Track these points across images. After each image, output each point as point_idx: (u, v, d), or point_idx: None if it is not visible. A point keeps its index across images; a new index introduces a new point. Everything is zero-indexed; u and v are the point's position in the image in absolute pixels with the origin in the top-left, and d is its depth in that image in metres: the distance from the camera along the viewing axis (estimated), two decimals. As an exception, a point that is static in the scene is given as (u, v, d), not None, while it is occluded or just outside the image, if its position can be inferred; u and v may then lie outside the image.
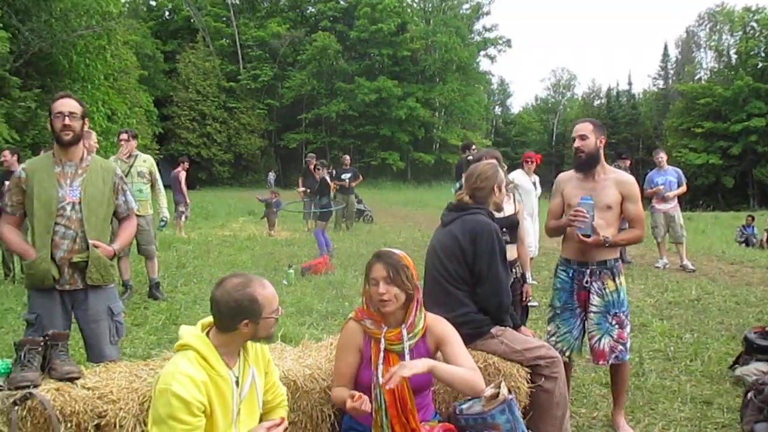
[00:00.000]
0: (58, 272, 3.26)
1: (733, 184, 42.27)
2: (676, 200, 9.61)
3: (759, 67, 43.35)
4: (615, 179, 3.72)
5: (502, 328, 3.24)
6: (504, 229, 3.93)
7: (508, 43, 51.32)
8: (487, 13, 54.68)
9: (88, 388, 2.49)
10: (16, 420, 2.29)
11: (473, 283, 3.19)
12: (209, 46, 44.15)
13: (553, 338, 3.82)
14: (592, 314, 3.70)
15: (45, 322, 3.23)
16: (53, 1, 18.59)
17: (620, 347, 3.67)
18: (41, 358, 2.60)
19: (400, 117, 41.96)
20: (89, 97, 19.50)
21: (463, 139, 36.68)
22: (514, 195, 4.53)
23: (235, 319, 2.23)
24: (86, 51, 20.28)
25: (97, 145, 6.61)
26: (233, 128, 42.20)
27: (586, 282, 3.71)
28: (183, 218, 13.98)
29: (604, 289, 3.68)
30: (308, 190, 13.26)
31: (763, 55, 44.16)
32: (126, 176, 6.65)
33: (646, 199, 8.53)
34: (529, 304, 4.76)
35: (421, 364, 2.47)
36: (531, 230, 7.27)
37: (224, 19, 45.97)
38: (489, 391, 2.78)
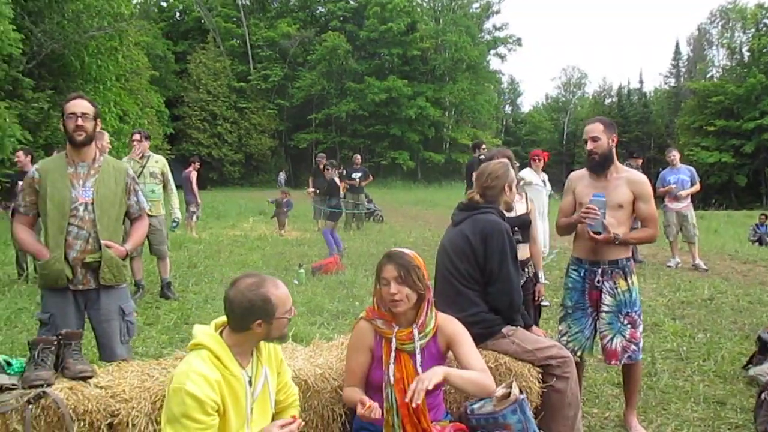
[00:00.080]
0: (71, 272, 3.28)
1: (746, 183, 41.91)
2: (689, 199, 9.51)
3: (772, 64, 42.93)
4: (627, 178, 3.69)
5: (513, 327, 3.23)
6: (516, 229, 3.92)
7: (519, 41, 51.15)
8: (497, 12, 54.47)
9: (101, 387, 2.51)
10: (30, 418, 2.32)
11: (484, 282, 3.18)
12: (220, 47, 44.30)
13: (565, 338, 3.80)
14: (603, 314, 3.69)
15: (58, 322, 3.26)
16: (65, 3, 18.70)
17: (633, 347, 3.65)
18: (54, 357, 2.62)
19: (410, 116, 41.90)
20: (101, 98, 19.60)
21: (474, 138, 36.60)
22: (526, 194, 4.51)
23: (249, 319, 2.24)
24: (98, 52, 20.39)
25: (110, 146, 6.65)
26: (244, 128, 42.31)
27: (598, 281, 3.69)
28: (194, 218, 14.05)
29: (616, 288, 3.66)
30: (317, 191, 13.28)
31: (776, 52, 43.72)
32: (138, 177, 6.71)
33: (659, 198, 8.48)
34: (541, 303, 4.74)
35: (438, 373, 2.46)
36: (541, 229, 7.25)
37: (234, 19, 46.11)
38: (500, 390, 2.77)
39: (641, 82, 61.25)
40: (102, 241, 3.33)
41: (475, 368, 2.62)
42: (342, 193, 13.39)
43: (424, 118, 42.77)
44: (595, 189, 3.67)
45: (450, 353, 2.76)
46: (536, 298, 4.44)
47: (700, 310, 6.79)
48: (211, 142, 40.86)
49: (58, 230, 3.27)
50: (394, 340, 2.65)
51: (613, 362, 3.72)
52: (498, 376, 3.03)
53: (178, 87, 42.14)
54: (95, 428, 2.39)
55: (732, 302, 7.13)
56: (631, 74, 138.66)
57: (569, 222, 3.82)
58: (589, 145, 3.68)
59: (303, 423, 2.40)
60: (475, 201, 3.36)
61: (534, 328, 3.49)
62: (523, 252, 4.15)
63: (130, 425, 2.39)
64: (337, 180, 11.81)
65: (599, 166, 3.69)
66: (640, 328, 3.72)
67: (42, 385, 2.42)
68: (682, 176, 9.43)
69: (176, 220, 7.70)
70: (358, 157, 16.48)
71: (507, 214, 3.50)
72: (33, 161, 7.74)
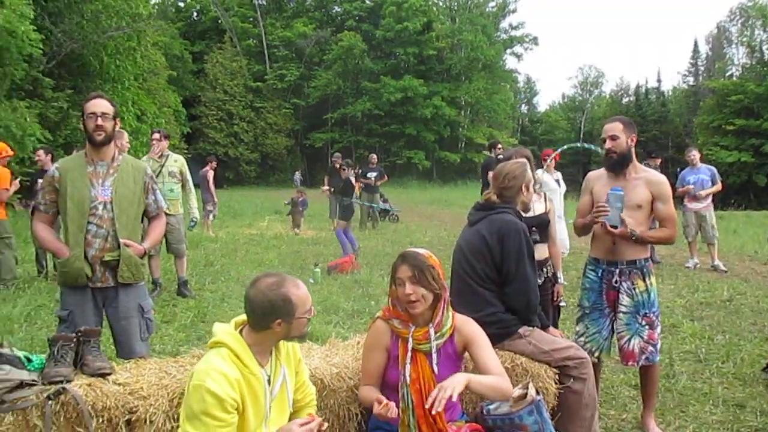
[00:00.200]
0: (90, 270, 3.31)
1: (766, 183, 41.27)
2: (709, 200, 9.38)
3: (793, 63, 42.33)
4: (646, 178, 3.66)
5: (530, 328, 3.21)
6: (533, 228, 3.90)
7: (535, 40, 50.86)
8: (514, 11, 54.37)
9: (119, 384, 2.53)
10: (50, 414, 2.34)
11: (501, 282, 3.17)
12: (236, 47, 44.53)
13: (582, 338, 3.78)
14: (621, 314, 3.66)
15: (77, 319, 3.29)
16: (85, 4, 18.89)
17: (650, 348, 3.62)
18: (74, 353, 2.65)
19: (426, 116, 41.83)
20: (119, 98, 19.78)
21: (489, 138, 36.46)
22: (545, 194, 4.47)
23: (269, 319, 2.25)
24: (116, 52, 20.59)
25: (129, 145, 6.72)
26: (260, 128, 42.49)
27: (616, 282, 3.66)
28: (211, 217, 14.15)
29: (634, 289, 3.62)
30: (333, 189, 13.30)
31: (797, 50, 43.11)
32: (157, 176, 6.77)
33: (677, 198, 8.39)
34: (559, 304, 4.70)
35: (461, 382, 2.45)
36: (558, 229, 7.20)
37: (251, 19, 46.33)
38: (517, 391, 2.76)
39: (659, 80, 60.68)
40: (120, 240, 3.36)
41: (492, 372, 2.61)
42: (357, 193, 13.41)
43: (439, 118, 42.69)
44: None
45: (466, 354, 2.75)
46: (555, 299, 4.41)
47: (719, 311, 6.72)
48: (227, 141, 41.09)
49: (78, 229, 3.30)
50: (410, 339, 2.65)
51: (630, 363, 3.69)
52: (514, 376, 3.01)
53: (195, 87, 42.44)
54: (113, 425, 2.41)
55: (751, 304, 7.05)
56: (649, 73, 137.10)
57: (585, 222, 3.79)
58: (608, 144, 3.65)
59: (326, 424, 2.40)
60: (492, 201, 3.34)
61: (551, 328, 3.46)
62: (541, 252, 4.11)
63: (147, 422, 2.40)
64: (353, 179, 11.83)
65: (618, 165, 3.66)
66: (658, 330, 3.68)
67: (62, 382, 2.45)
68: (702, 176, 9.31)
69: (194, 219, 7.76)
70: (374, 156, 16.50)
71: (525, 214, 3.48)
72: (53, 160, 7.83)
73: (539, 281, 3.93)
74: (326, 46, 44.35)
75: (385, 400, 2.44)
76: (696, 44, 57.93)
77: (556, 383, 3.12)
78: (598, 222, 3.59)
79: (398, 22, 42.58)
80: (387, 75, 42.58)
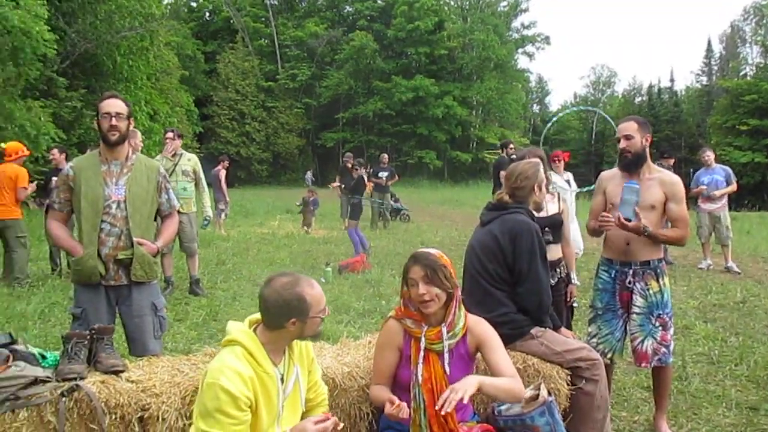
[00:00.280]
0: (104, 268, 3.33)
1: (781, 183, 40.89)
2: (724, 200, 9.28)
3: (808, 62, 41.88)
4: (660, 179, 3.63)
5: (542, 329, 3.20)
6: (546, 229, 3.88)
7: (547, 40, 50.61)
8: (525, 10, 54.08)
9: (132, 382, 2.55)
10: (64, 410, 2.36)
11: (513, 282, 3.16)
12: (248, 47, 44.70)
13: (594, 339, 3.76)
14: (634, 315, 3.63)
15: (90, 317, 3.31)
16: (98, 4, 19.06)
17: (663, 350, 3.59)
18: (87, 351, 2.67)
19: (437, 116, 41.78)
20: (132, 97, 19.93)
21: (501, 137, 36.36)
22: (558, 194, 4.45)
23: (283, 318, 2.26)
24: (129, 52, 20.76)
25: (142, 144, 6.76)
26: (271, 127, 42.62)
27: (629, 282, 3.64)
28: (223, 216, 14.21)
29: (648, 289, 3.60)
30: (343, 186, 13.33)
31: (813, 50, 42.65)
32: (171, 174, 6.81)
33: (691, 199, 8.32)
34: (573, 304, 4.68)
35: (473, 384, 2.44)
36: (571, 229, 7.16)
37: (263, 19, 46.49)
38: (528, 392, 2.76)
39: (672, 80, 60.33)
40: (134, 238, 3.38)
41: (505, 374, 2.60)
42: (368, 193, 13.41)
43: (451, 117, 42.62)
44: None
45: (479, 354, 2.75)
46: (568, 299, 4.39)
47: (733, 313, 6.66)
48: (239, 140, 41.25)
49: (92, 227, 3.32)
50: (423, 339, 2.65)
51: (643, 365, 3.67)
52: (526, 377, 3.00)
53: (208, 86, 42.65)
54: (126, 422, 2.43)
55: (765, 305, 6.98)
56: (662, 72, 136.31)
57: (595, 227, 3.77)
58: (622, 144, 3.63)
59: (341, 424, 2.40)
60: (505, 201, 3.33)
61: (563, 329, 3.45)
62: (554, 252, 4.09)
63: (160, 419, 2.42)
64: (365, 178, 11.84)
65: (632, 165, 3.64)
66: (671, 331, 3.66)
67: (75, 378, 2.47)
68: (716, 176, 9.22)
69: (208, 217, 7.82)
70: (385, 156, 16.52)
71: (538, 214, 3.47)
72: (67, 159, 7.91)
73: (552, 282, 3.92)
74: (338, 45, 44.40)
75: (396, 400, 2.44)
76: (709, 43, 57.10)
77: (568, 384, 3.10)
78: (606, 229, 3.56)
79: (410, 21, 42.55)
80: (398, 75, 42.57)
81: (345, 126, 44.83)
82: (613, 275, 3.72)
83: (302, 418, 2.43)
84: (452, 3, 49.36)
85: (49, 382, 2.44)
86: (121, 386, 2.50)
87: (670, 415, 3.91)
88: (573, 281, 4.44)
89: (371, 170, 15.21)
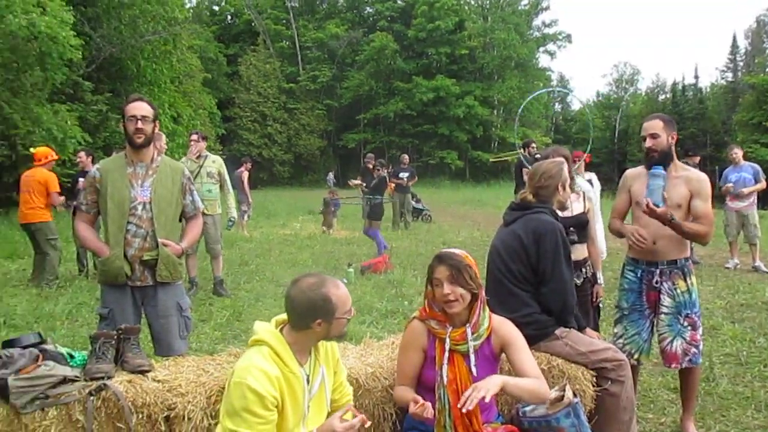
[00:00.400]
0: (129, 269, 3.36)
1: (810, 182, 40.03)
2: (752, 198, 9.10)
3: (837, 57, 40.92)
4: (686, 177, 3.57)
5: (567, 329, 3.17)
6: (571, 228, 3.84)
7: (568, 38, 50.19)
8: (546, 9, 53.63)
9: (158, 381, 2.58)
10: (92, 409, 2.39)
11: (537, 283, 3.14)
12: (269, 49, 45.03)
13: (621, 340, 3.71)
14: (663, 315, 3.58)
15: (117, 317, 3.35)
16: (122, 9, 19.35)
17: (693, 350, 3.54)
18: (114, 351, 2.71)
19: (458, 116, 41.69)
20: (156, 100, 20.11)
21: (523, 137, 36.13)
22: (584, 193, 4.40)
23: (309, 318, 2.27)
24: (153, 56, 21.04)
25: (166, 147, 6.85)
26: (293, 129, 42.89)
27: (656, 282, 3.59)
28: (246, 217, 14.32)
29: (675, 289, 3.55)
30: (364, 185, 13.35)
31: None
32: (196, 177, 6.89)
33: (717, 198, 8.15)
34: (599, 305, 4.62)
35: (496, 384, 2.44)
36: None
37: (284, 21, 46.80)
38: (553, 393, 2.73)
39: (696, 77, 59.33)
40: (159, 240, 3.41)
41: (529, 374, 2.59)
42: (390, 193, 13.39)
43: (472, 117, 42.50)
44: None
45: (503, 355, 2.73)
46: (594, 300, 4.34)
47: (761, 313, 6.54)
48: (261, 142, 41.57)
49: (118, 228, 3.36)
50: (447, 340, 2.64)
51: (673, 365, 3.61)
52: (551, 378, 2.98)
53: (230, 89, 43.07)
54: (152, 421, 2.46)
55: (795, 306, 6.84)
56: (686, 69, 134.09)
57: (621, 231, 3.72)
58: (648, 143, 3.57)
59: (369, 422, 2.40)
60: (528, 201, 3.31)
61: (587, 330, 3.41)
62: (580, 252, 4.05)
63: (185, 419, 2.44)
64: (386, 178, 11.84)
65: (658, 164, 3.57)
66: (700, 330, 3.60)
67: (103, 378, 2.51)
68: (744, 174, 9.05)
69: (232, 219, 7.89)
70: (406, 156, 16.53)
71: (563, 214, 3.43)
72: (93, 162, 8.04)
73: (578, 282, 3.88)
74: (358, 46, 44.53)
75: (421, 400, 2.44)
76: (735, 39, 56.28)
77: (593, 386, 3.07)
78: (639, 247, 3.52)
79: (430, 21, 42.52)
80: (419, 75, 42.56)
81: (366, 127, 44.93)
82: (639, 275, 3.67)
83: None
84: (473, 2, 49.21)
85: (77, 381, 2.48)
86: (147, 386, 2.53)
87: (697, 416, 3.86)
88: (599, 281, 4.39)
89: (392, 171, 15.21)
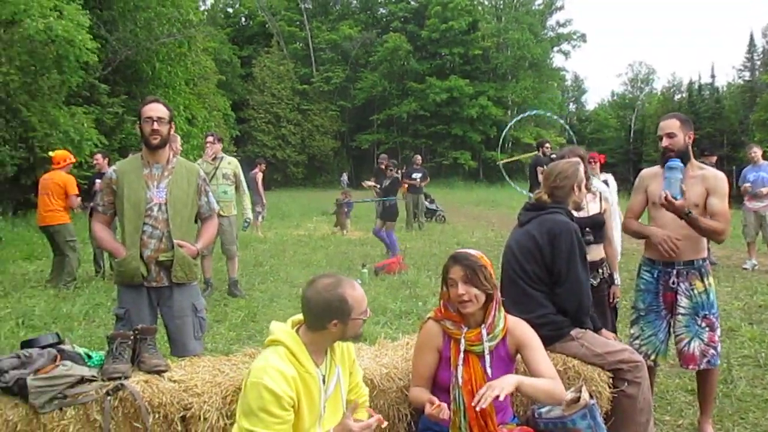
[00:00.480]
0: (146, 270, 3.39)
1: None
2: (771, 198, 9.01)
3: None
4: (702, 175, 3.53)
5: (582, 330, 3.14)
6: (587, 229, 3.81)
7: (583, 37, 49.94)
8: (561, 8, 53.34)
9: (175, 381, 2.60)
10: (109, 409, 2.41)
11: (552, 283, 3.11)
12: (283, 50, 45.21)
13: (637, 341, 3.68)
14: (680, 316, 3.55)
15: (133, 317, 3.37)
16: (138, 12, 19.52)
17: (712, 351, 3.51)
18: (131, 351, 2.73)
19: (472, 116, 41.61)
20: (171, 102, 20.23)
21: (537, 137, 35.99)
22: (600, 193, 4.37)
23: (325, 319, 2.27)
24: (168, 58, 21.21)
25: (181, 148, 6.89)
26: (307, 130, 43.03)
27: (673, 283, 3.55)
28: (260, 218, 14.38)
29: (693, 290, 3.51)
30: (378, 186, 13.36)
31: None
32: (211, 178, 6.92)
33: (737, 198, 8.06)
34: (616, 306, 4.58)
35: (510, 383, 2.43)
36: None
37: (297, 23, 46.98)
38: (570, 395, 2.71)
39: (713, 76, 58.73)
40: (174, 241, 3.43)
41: (545, 375, 2.57)
42: (402, 194, 13.38)
43: (485, 118, 42.41)
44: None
45: (518, 356, 2.72)
46: (611, 300, 4.30)
47: (780, 315, 6.46)
48: (275, 143, 41.75)
49: (134, 229, 3.39)
50: (462, 341, 2.63)
51: (690, 367, 3.58)
52: (567, 379, 2.96)
53: (244, 90, 43.31)
54: (169, 421, 2.47)
55: (815, 307, 6.75)
56: (702, 68, 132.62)
57: (642, 233, 3.67)
58: (665, 142, 3.53)
59: (385, 422, 2.39)
60: (543, 201, 3.29)
61: (603, 331, 3.38)
62: (596, 253, 4.02)
63: (201, 419, 2.45)
64: (399, 179, 11.84)
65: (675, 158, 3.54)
66: (718, 332, 3.57)
67: (120, 378, 2.53)
68: (762, 174, 8.93)
69: (248, 220, 7.94)
70: (419, 157, 16.53)
71: (579, 214, 3.41)
72: (110, 164, 8.12)
73: (594, 282, 3.85)
74: (371, 47, 44.61)
75: (436, 401, 2.43)
76: (752, 37, 55.30)
77: (610, 387, 3.04)
78: (670, 254, 3.47)
79: (443, 22, 42.49)
80: (432, 75, 42.55)
81: (380, 127, 44.98)
82: (655, 276, 3.64)
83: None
84: (486, 2, 49.09)
85: (95, 381, 2.50)
86: (164, 386, 2.55)
87: (715, 419, 3.81)
88: (616, 282, 4.36)
89: (405, 171, 15.21)
